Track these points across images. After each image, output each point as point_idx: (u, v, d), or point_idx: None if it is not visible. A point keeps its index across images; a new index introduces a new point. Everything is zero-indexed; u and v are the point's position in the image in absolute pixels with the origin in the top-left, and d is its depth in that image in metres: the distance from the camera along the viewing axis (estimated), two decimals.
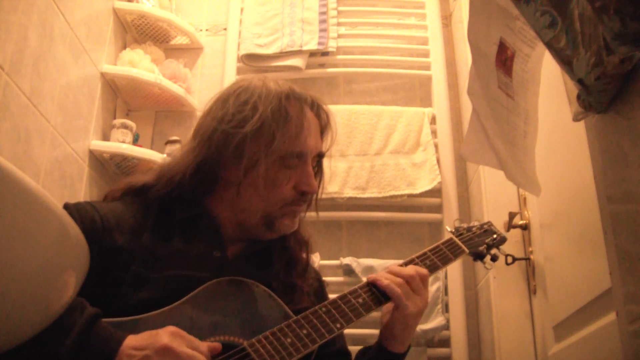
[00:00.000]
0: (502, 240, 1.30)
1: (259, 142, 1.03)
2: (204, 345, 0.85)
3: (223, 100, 1.10)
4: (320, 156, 1.14)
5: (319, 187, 1.15)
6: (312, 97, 1.12)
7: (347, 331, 1.05)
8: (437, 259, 1.15)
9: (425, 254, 1.15)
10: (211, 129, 1.06)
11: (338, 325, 0.99)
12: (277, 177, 1.05)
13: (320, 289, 1.19)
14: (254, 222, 1.07)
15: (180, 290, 0.96)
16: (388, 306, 1.06)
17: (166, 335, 0.83)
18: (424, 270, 1.08)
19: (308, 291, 1.12)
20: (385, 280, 1.04)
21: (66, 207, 1.00)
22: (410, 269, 1.07)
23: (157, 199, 1.08)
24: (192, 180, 1.06)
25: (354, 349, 1.15)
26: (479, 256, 1.26)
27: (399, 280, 1.04)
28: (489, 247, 1.27)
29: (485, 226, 1.31)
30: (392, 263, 1.14)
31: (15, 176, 0.62)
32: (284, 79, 1.15)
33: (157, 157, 2.05)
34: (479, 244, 1.26)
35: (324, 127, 1.15)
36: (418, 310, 1.04)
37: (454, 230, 1.29)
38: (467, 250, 1.21)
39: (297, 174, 1.07)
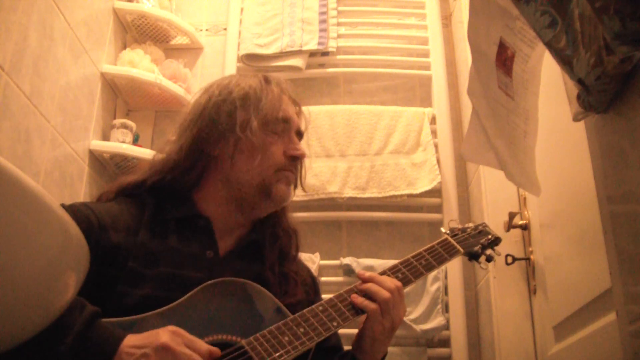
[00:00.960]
0: (497, 241, 1.31)
1: (248, 105, 1.11)
2: (204, 346, 0.86)
3: (206, 89, 1.19)
4: (299, 134, 1.19)
5: (301, 170, 1.20)
6: (285, 84, 1.20)
7: (344, 331, 1.05)
8: (432, 258, 1.16)
9: (420, 254, 1.16)
10: (201, 107, 1.14)
11: (335, 324, 1.00)
12: (267, 140, 1.11)
13: (313, 284, 1.20)
14: (251, 192, 1.10)
15: (174, 289, 0.97)
16: (363, 317, 1.05)
17: (166, 334, 0.83)
18: (399, 283, 1.07)
19: (302, 281, 1.14)
20: (358, 298, 1.04)
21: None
22: (391, 283, 1.05)
23: (151, 193, 1.10)
24: (184, 163, 1.10)
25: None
26: (473, 256, 1.26)
27: (386, 294, 1.03)
28: (484, 248, 1.27)
29: (480, 227, 1.32)
30: (392, 263, 1.14)
31: (15, 176, 0.62)
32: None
33: None
34: (474, 244, 1.26)
35: (298, 111, 1.21)
36: (391, 327, 1.03)
37: (448, 231, 1.30)
38: (462, 250, 1.22)
39: (284, 141, 1.13)
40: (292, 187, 1.15)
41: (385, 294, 1.03)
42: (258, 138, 1.09)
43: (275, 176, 1.10)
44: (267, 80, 1.17)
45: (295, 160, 1.14)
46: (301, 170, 1.19)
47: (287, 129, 1.14)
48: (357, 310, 1.03)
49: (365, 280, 1.06)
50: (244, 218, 1.13)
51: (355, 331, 1.08)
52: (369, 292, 1.04)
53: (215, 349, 0.87)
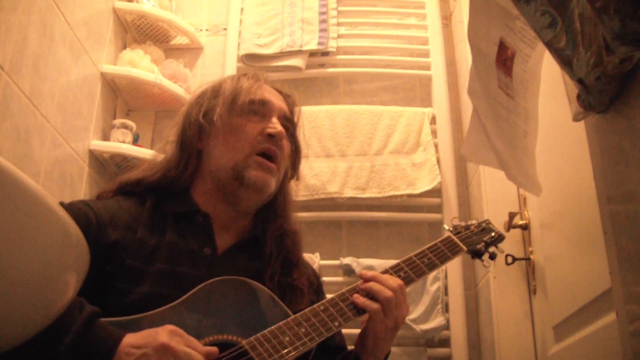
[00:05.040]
0: (500, 238, 1.29)
1: (217, 95, 1.16)
2: (201, 346, 0.86)
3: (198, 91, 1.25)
4: (288, 120, 1.19)
5: (297, 161, 1.22)
6: (270, 77, 1.24)
7: (346, 331, 1.05)
8: (435, 257, 1.15)
9: (423, 252, 1.15)
10: (185, 106, 1.22)
11: (336, 324, 0.99)
12: (239, 122, 1.13)
13: (319, 288, 1.20)
14: (227, 178, 1.10)
15: (173, 286, 0.97)
16: (365, 316, 1.04)
17: (165, 334, 0.83)
18: (401, 282, 1.05)
19: (307, 279, 1.14)
20: (360, 298, 1.02)
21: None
22: (393, 282, 1.04)
23: (151, 190, 1.11)
24: (178, 160, 1.13)
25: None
26: (477, 254, 1.25)
27: (388, 294, 1.01)
28: (487, 245, 1.26)
29: (484, 224, 1.31)
30: (393, 262, 1.13)
31: (15, 176, 0.62)
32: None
33: None
34: (477, 242, 1.25)
35: (285, 97, 1.22)
36: (394, 326, 1.02)
37: (452, 228, 1.29)
38: (465, 248, 1.21)
39: (265, 122, 1.14)
40: (269, 175, 1.11)
41: (387, 293, 1.01)
42: (227, 121, 1.12)
43: (248, 160, 1.10)
44: (245, 74, 1.21)
45: (272, 139, 1.12)
46: (297, 162, 1.21)
47: (267, 111, 1.15)
48: (359, 309, 1.02)
49: (367, 280, 1.05)
50: (235, 211, 1.13)
51: (358, 331, 1.08)
52: (371, 292, 1.03)
53: (214, 349, 0.87)
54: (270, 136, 1.12)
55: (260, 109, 1.14)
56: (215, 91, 1.18)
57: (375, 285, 1.03)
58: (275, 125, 1.13)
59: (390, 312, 1.01)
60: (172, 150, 1.16)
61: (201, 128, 1.14)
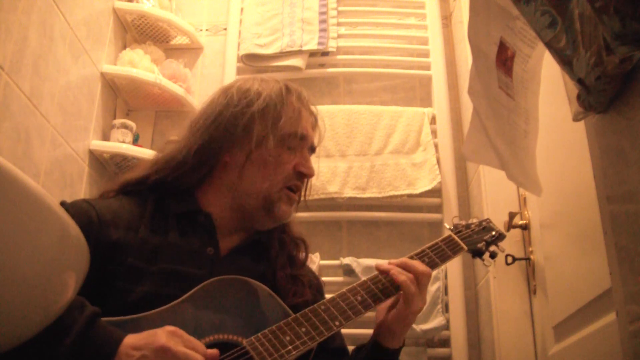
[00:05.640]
0: (501, 237, 1.29)
1: (266, 120, 1.10)
2: (202, 346, 0.85)
3: (224, 91, 1.16)
4: (312, 149, 1.19)
5: (306, 185, 1.20)
6: (305, 94, 1.19)
7: (346, 331, 1.05)
8: (435, 256, 1.15)
9: (423, 251, 1.15)
10: (216, 112, 1.12)
11: (337, 323, 1.00)
12: (281, 157, 1.11)
13: (318, 286, 1.20)
14: (255, 205, 1.10)
15: (175, 285, 0.97)
16: (386, 303, 1.07)
17: (164, 335, 0.83)
18: (428, 269, 1.08)
19: (309, 283, 1.14)
20: (401, 275, 1.05)
21: (62, 205, 1.00)
22: (421, 266, 1.07)
23: (153, 190, 1.10)
24: (190, 163, 1.09)
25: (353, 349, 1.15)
26: (477, 253, 1.25)
27: (411, 276, 1.05)
28: (488, 244, 1.26)
29: (484, 223, 1.30)
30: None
31: (15, 176, 0.62)
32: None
33: None
34: (478, 241, 1.25)
35: (314, 123, 1.20)
36: (421, 308, 1.06)
37: (452, 227, 1.29)
38: (465, 248, 1.21)
39: (297, 156, 1.13)
40: (293, 208, 1.14)
41: (421, 266, 1.06)
42: (272, 154, 1.09)
43: (279, 194, 1.10)
44: (288, 91, 1.15)
45: (302, 177, 1.14)
46: (306, 188, 1.20)
47: (301, 145, 1.14)
48: (359, 309, 1.03)
49: (383, 271, 1.07)
50: (244, 225, 1.13)
51: (363, 331, 1.07)
52: (405, 267, 1.06)
53: (214, 351, 0.87)
54: (302, 175, 1.13)
55: (296, 143, 1.13)
56: (262, 113, 1.10)
57: (407, 262, 1.07)
58: (310, 165, 1.14)
59: (424, 288, 1.05)
60: (187, 152, 1.10)
61: (238, 146, 1.10)
